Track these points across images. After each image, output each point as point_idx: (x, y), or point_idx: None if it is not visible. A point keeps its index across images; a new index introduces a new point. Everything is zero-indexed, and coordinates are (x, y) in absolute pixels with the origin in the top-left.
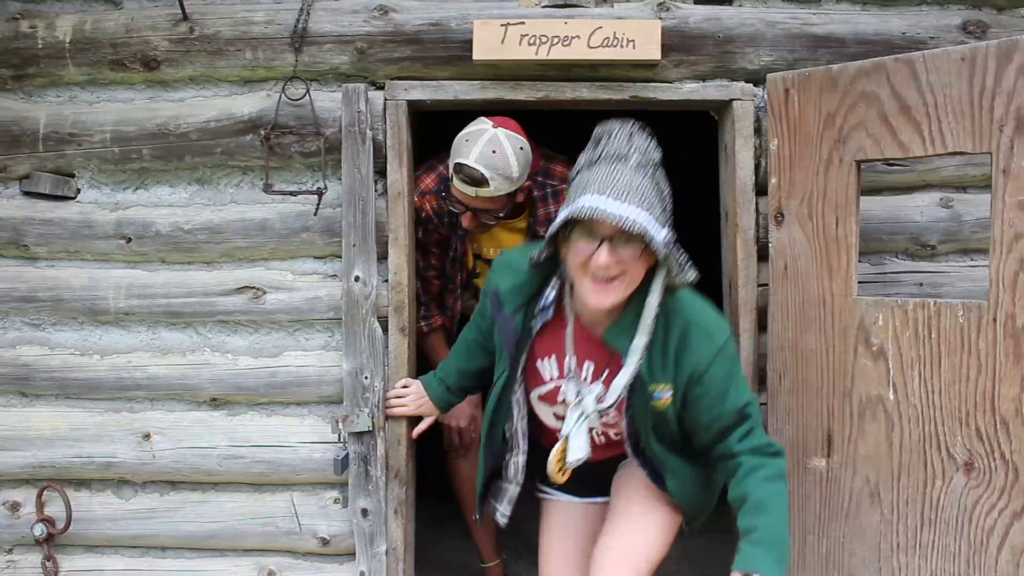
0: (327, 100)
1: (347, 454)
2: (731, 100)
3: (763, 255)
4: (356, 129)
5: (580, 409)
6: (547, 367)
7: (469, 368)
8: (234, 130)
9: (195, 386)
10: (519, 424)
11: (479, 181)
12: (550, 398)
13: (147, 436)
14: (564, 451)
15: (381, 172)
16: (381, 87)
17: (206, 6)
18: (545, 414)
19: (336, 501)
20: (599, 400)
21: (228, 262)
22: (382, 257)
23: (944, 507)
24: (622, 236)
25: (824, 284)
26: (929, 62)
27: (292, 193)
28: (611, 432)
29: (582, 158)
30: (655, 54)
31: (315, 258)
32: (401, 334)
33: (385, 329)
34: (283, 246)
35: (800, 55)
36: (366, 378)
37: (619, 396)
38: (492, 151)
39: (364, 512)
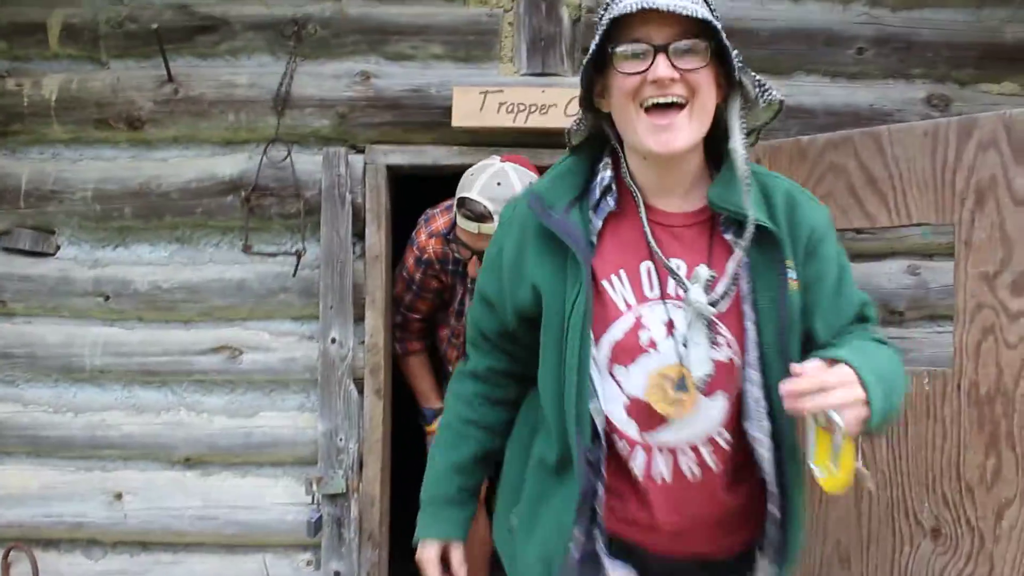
0: (308, 163)
1: (320, 516)
2: None
3: None
4: (336, 192)
5: (688, 308)
6: (619, 289)
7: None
8: (215, 191)
9: (169, 445)
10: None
11: (482, 216)
12: (627, 348)
13: (119, 496)
14: (679, 373)
15: (360, 235)
16: (361, 151)
17: (191, 68)
18: (612, 393)
19: (309, 563)
20: (710, 287)
21: (205, 321)
22: (359, 319)
23: (913, 573)
24: (679, 43)
25: None
26: (894, 136)
27: (271, 254)
28: (718, 438)
29: None
30: None
31: (292, 319)
32: (376, 396)
33: (361, 391)
34: (261, 306)
35: (771, 125)
36: (341, 440)
37: (730, 284)
38: (497, 183)
39: (337, 575)
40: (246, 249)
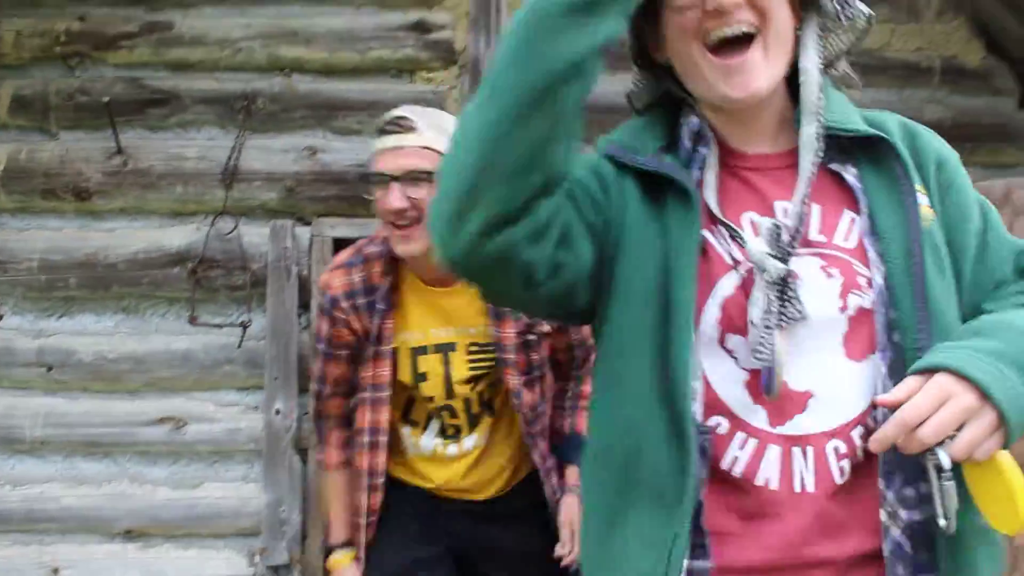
0: (255, 235)
1: None
2: None
3: None
4: (282, 264)
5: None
6: (723, 244)
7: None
8: (162, 262)
9: (110, 518)
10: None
11: (403, 126)
12: (740, 309)
13: (56, 571)
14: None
15: (305, 307)
16: (308, 224)
17: (141, 140)
18: (726, 370)
19: None
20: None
21: (150, 392)
22: (303, 390)
23: None
24: None
25: None
26: None
27: (217, 326)
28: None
29: None
30: None
31: (237, 389)
32: (320, 467)
33: (305, 462)
34: (206, 377)
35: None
36: (284, 511)
37: (800, 214)
38: (417, 105)
39: None
40: (192, 320)
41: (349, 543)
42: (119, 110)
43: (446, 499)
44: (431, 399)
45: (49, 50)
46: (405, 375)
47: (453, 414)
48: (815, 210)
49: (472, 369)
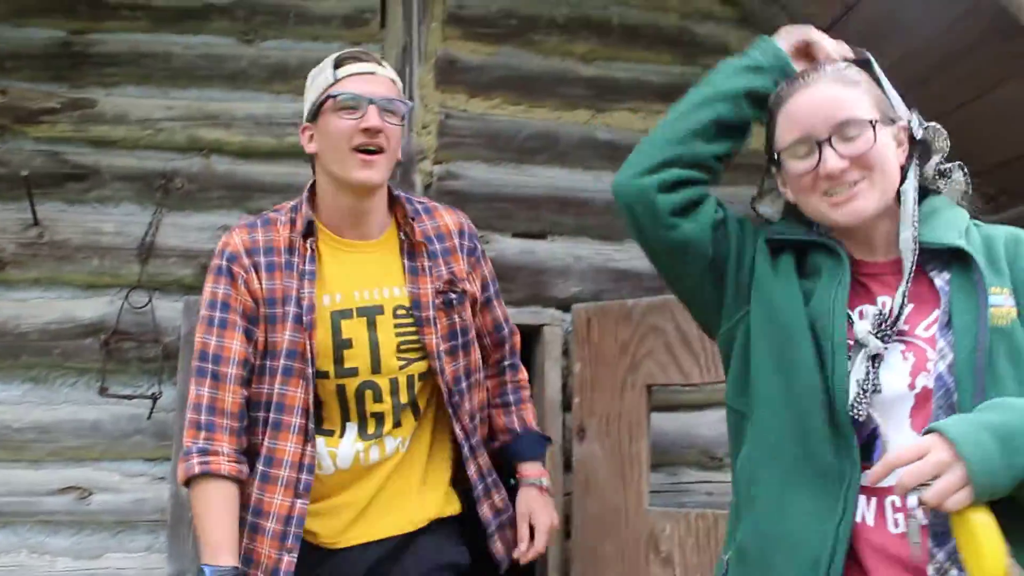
0: (169, 309)
1: None
2: (542, 325)
3: (568, 466)
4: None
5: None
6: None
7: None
8: (74, 333)
9: None
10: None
11: (371, 57)
12: None
13: None
14: None
15: None
16: None
17: (58, 213)
18: None
19: None
20: (892, 322)
21: (56, 461)
22: None
23: None
24: (843, 130)
25: (620, 496)
26: None
27: (128, 397)
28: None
29: None
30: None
31: (145, 460)
32: None
33: None
34: (114, 447)
35: (604, 286)
36: None
37: (900, 307)
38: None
39: None
40: (102, 391)
41: (239, 571)
42: (38, 183)
43: (344, 553)
44: (353, 373)
45: None
46: (325, 342)
47: (378, 396)
48: (908, 306)
49: (400, 335)
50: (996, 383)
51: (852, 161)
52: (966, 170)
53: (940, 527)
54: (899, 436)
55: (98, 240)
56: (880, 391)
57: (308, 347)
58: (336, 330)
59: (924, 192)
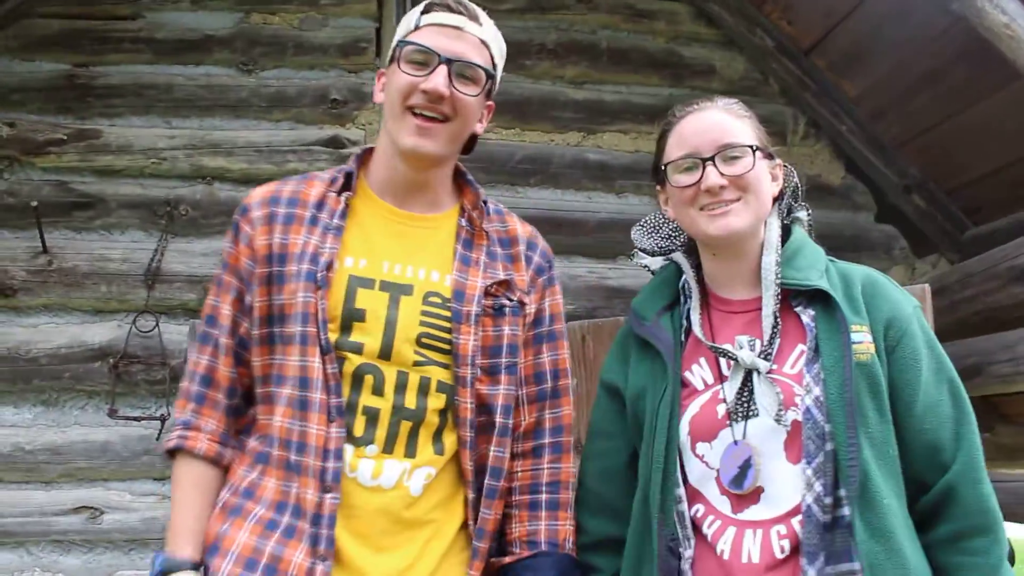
0: (175, 332)
1: None
2: None
3: None
4: None
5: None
6: (697, 373)
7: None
8: (84, 357)
9: None
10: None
11: (468, 11)
12: (705, 423)
13: None
14: None
15: None
16: None
17: (66, 241)
18: (700, 471)
19: None
20: (769, 358)
21: (67, 482)
22: None
23: None
24: (726, 151)
25: None
26: None
27: (136, 418)
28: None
29: None
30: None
31: (154, 479)
32: None
33: None
34: (124, 468)
35: (598, 304)
36: None
37: (800, 353)
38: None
39: None
40: (111, 413)
41: (196, 566)
42: (46, 212)
43: None
44: (357, 349)
45: None
46: (334, 306)
47: (378, 386)
48: (776, 343)
49: (425, 324)
50: (861, 414)
51: (731, 180)
52: (810, 211)
53: (812, 547)
54: (775, 464)
55: (105, 267)
56: (756, 415)
57: (321, 309)
58: (350, 295)
59: (786, 231)
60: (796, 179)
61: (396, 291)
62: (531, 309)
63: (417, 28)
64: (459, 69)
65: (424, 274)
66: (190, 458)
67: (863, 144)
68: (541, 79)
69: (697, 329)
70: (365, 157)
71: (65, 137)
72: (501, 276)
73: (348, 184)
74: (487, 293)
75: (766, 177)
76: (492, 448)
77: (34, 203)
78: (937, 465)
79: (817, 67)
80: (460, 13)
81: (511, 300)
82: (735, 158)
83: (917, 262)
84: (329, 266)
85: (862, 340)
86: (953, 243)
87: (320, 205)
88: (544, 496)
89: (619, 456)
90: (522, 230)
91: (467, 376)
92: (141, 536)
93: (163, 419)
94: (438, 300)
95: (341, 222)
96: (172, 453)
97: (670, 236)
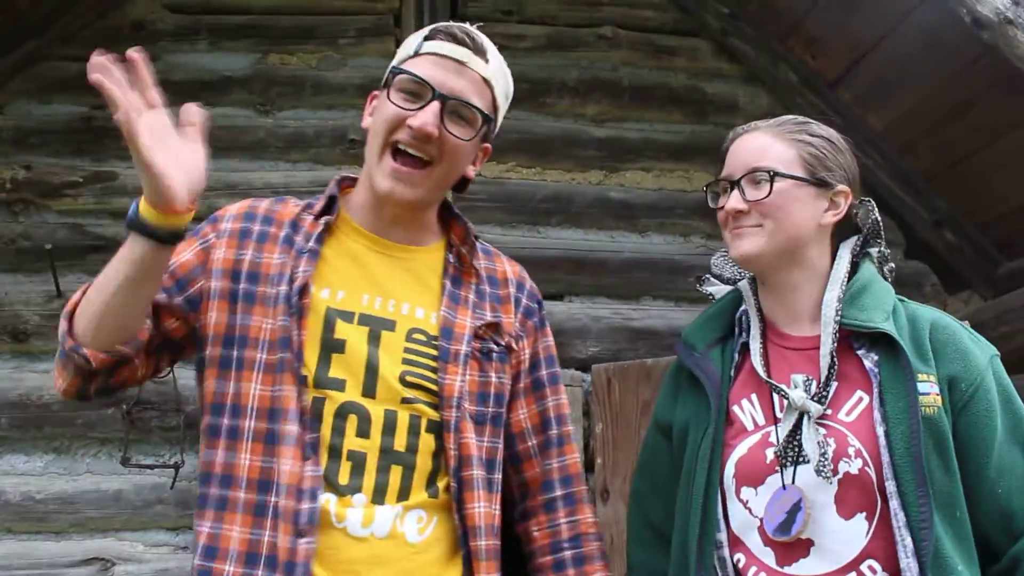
0: (190, 378)
1: None
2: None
3: None
4: None
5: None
6: (747, 411)
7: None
8: (96, 403)
9: None
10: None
11: (476, 44)
12: (753, 466)
13: None
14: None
15: None
16: None
17: (80, 283)
18: (743, 518)
19: None
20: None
21: (78, 533)
22: None
23: None
24: (752, 175)
25: None
26: None
27: (150, 466)
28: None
29: None
30: None
31: (167, 529)
32: None
33: None
34: (136, 517)
35: (622, 346)
36: None
37: (858, 402)
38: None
39: None
40: (124, 462)
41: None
42: (60, 255)
43: None
44: (338, 386)
45: None
46: (312, 336)
47: (363, 428)
48: (832, 387)
49: (408, 363)
50: (929, 472)
51: (751, 205)
52: (885, 249)
53: None
54: (825, 516)
55: None
56: (808, 461)
57: (296, 338)
58: (328, 326)
59: (855, 266)
60: (875, 214)
61: (377, 325)
62: (525, 355)
63: (416, 55)
64: (453, 108)
65: (408, 309)
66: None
67: (890, 178)
68: (562, 117)
69: (756, 360)
70: (344, 183)
71: (81, 180)
72: (489, 318)
73: (329, 208)
74: (475, 335)
75: (796, 204)
76: (477, 505)
77: (48, 246)
78: (1009, 532)
79: (842, 101)
80: (465, 45)
81: (499, 345)
82: (760, 182)
83: (949, 299)
84: (303, 291)
85: (928, 391)
86: (986, 279)
87: (295, 226)
88: (568, 553)
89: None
90: (511, 270)
91: (451, 420)
92: None
93: (177, 467)
94: (422, 338)
95: (317, 246)
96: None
97: (734, 272)
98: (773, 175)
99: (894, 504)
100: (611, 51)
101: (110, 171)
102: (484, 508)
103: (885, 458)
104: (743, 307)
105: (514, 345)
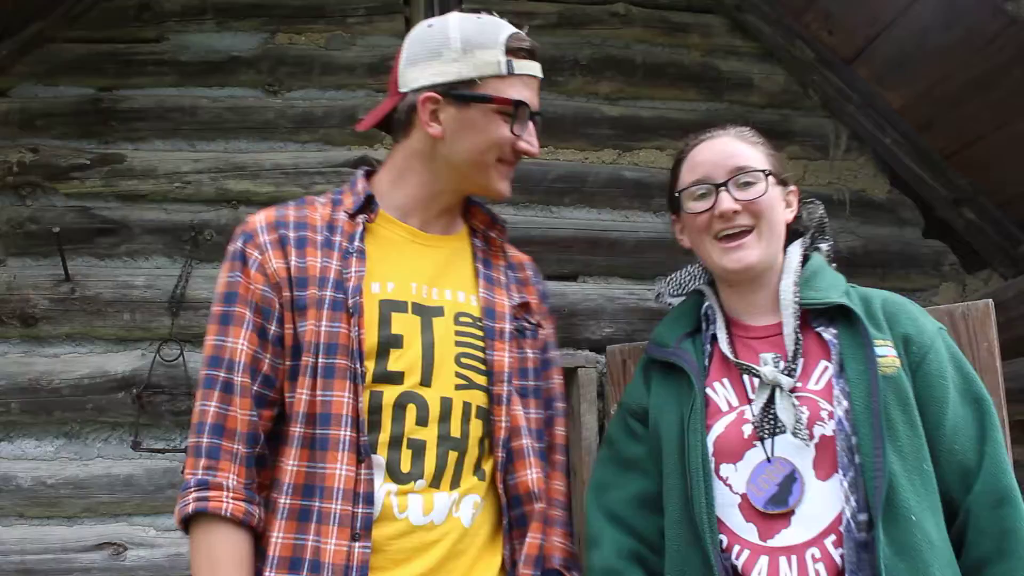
0: (200, 361)
1: None
2: (576, 368)
3: None
4: None
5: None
6: (721, 393)
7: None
8: (107, 387)
9: None
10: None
11: (537, 56)
12: (731, 443)
13: None
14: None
15: None
16: None
17: (89, 268)
18: (724, 496)
19: None
20: (793, 375)
21: (90, 517)
22: None
23: None
24: (739, 176)
25: None
26: None
27: (161, 450)
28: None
29: None
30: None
31: None
32: None
33: None
34: (148, 501)
35: (637, 327)
36: None
37: (824, 372)
38: (477, 18)
39: None
40: (135, 446)
41: None
42: (68, 238)
43: None
44: (397, 379)
45: (1, 180)
46: (369, 334)
47: (422, 417)
48: (799, 362)
49: (461, 344)
50: (890, 427)
51: (744, 206)
52: (833, 244)
53: (853, 564)
54: (806, 483)
55: (129, 294)
56: (785, 431)
57: (355, 338)
58: (384, 321)
59: (805, 259)
60: (822, 212)
61: (428, 314)
62: (543, 333)
63: (512, 75)
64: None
65: (451, 295)
66: (220, 524)
67: (909, 156)
68: (574, 96)
69: (724, 345)
70: (369, 176)
71: (89, 162)
72: (520, 299)
73: (367, 207)
74: (512, 308)
75: (780, 204)
76: (529, 472)
77: (56, 229)
78: (965, 485)
79: (860, 78)
80: (536, 60)
81: (531, 323)
82: (748, 183)
83: (968, 278)
84: (359, 291)
85: (886, 354)
86: (1006, 258)
87: (332, 228)
88: (538, 506)
89: (653, 484)
90: (522, 256)
91: (503, 394)
92: (166, 573)
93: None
94: (468, 320)
95: (362, 245)
96: (189, 521)
97: (693, 281)
98: (767, 174)
99: (857, 458)
100: (624, 28)
101: (118, 153)
102: (536, 474)
103: (847, 423)
104: (707, 303)
105: (542, 323)
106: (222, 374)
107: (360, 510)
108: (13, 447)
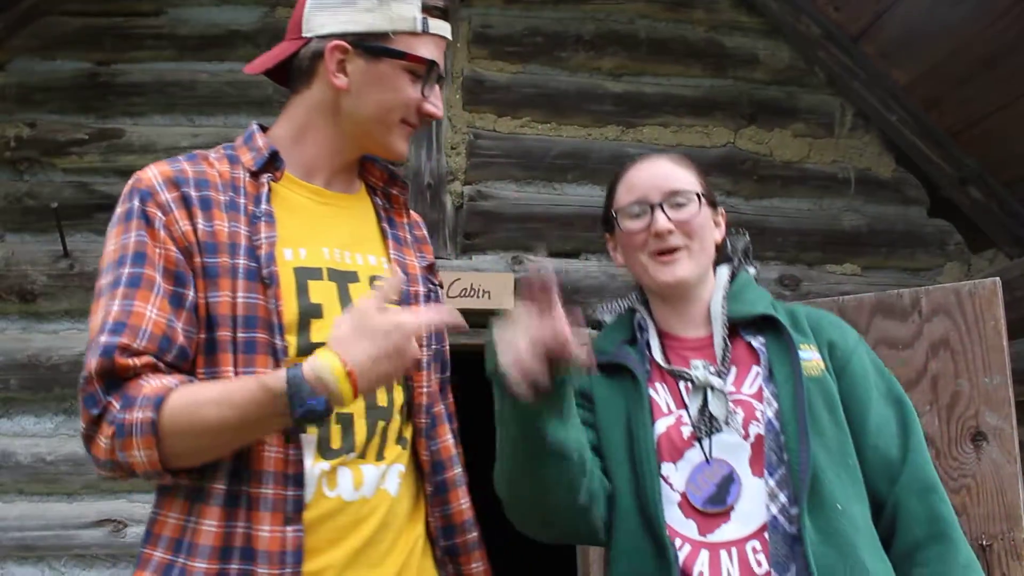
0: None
1: None
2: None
3: None
4: None
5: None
6: (662, 395)
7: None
8: None
9: None
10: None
11: (447, 15)
12: (672, 442)
13: None
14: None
15: None
16: None
17: (88, 244)
18: (666, 494)
19: None
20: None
21: (90, 494)
22: None
23: None
24: (673, 198)
25: None
26: None
27: None
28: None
29: None
30: (509, 303)
31: None
32: None
33: None
34: None
35: None
36: None
37: (755, 377)
38: None
39: None
40: None
41: None
42: (67, 214)
43: None
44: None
45: None
46: (288, 306)
47: None
48: (732, 369)
49: None
50: (816, 425)
51: (678, 225)
52: (758, 269)
53: (780, 558)
54: (743, 481)
55: None
56: (721, 430)
57: (274, 310)
58: (302, 290)
59: (732, 275)
60: (747, 240)
61: (343, 280)
62: (442, 295)
63: (425, 33)
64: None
65: (362, 259)
66: (172, 396)
67: (915, 134)
68: (577, 71)
69: (657, 353)
70: (266, 133)
71: (87, 137)
72: (427, 259)
73: (271, 164)
74: (422, 269)
75: (709, 223)
76: (448, 437)
77: (54, 205)
78: (889, 479)
79: (866, 55)
80: (448, 20)
81: (434, 284)
82: (681, 204)
83: (973, 257)
84: (272, 259)
85: (811, 357)
86: (1012, 237)
87: (235, 188)
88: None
89: (595, 441)
90: (416, 215)
91: (423, 359)
92: None
93: None
94: (381, 283)
95: (270, 207)
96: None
97: (626, 303)
98: (700, 196)
99: (785, 455)
100: (627, 3)
101: (116, 128)
102: (451, 439)
103: (775, 423)
104: (638, 315)
105: (442, 285)
106: (123, 340)
107: (290, 492)
108: (12, 424)
